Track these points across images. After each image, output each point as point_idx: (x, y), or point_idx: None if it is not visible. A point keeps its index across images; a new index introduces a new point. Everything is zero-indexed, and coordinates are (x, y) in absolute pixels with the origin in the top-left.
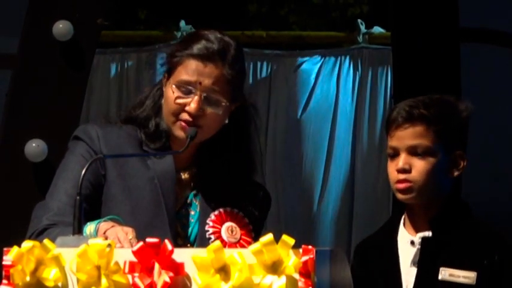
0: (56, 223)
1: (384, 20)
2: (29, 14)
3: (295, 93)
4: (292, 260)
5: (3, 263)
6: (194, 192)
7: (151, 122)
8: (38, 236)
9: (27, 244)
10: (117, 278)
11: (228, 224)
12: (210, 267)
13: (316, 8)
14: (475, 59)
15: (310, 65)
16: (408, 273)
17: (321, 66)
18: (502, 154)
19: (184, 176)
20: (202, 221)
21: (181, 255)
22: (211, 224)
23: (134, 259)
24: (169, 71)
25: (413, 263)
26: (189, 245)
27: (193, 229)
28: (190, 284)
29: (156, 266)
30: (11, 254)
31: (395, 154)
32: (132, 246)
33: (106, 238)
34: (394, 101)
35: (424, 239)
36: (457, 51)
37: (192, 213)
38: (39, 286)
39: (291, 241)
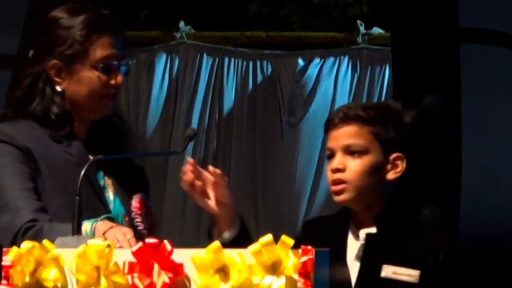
0: (36, 219)
1: (383, 20)
2: (28, 14)
3: (294, 93)
4: (291, 260)
5: (3, 263)
6: (101, 172)
7: (52, 112)
8: (27, 232)
9: (26, 244)
10: (117, 278)
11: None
12: (210, 268)
13: (316, 8)
14: (475, 59)
15: (310, 65)
16: (352, 267)
17: (320, 67)
18: (501, 154)
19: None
20: (121, 200)
21: (180, 255)
22: (135, 210)
23: (133, 260)
24: (73, 57)
25: (357, 257)
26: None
27: (114, 207)
28: (190, 285)
29: (156, 266)
30: (11, 255)
31: (332, 155)
32: (131, 246)
33: (105, 239)
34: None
35: (368, 235)
36: (457, 51)
37: (108, 192)
38: (38, 286)
39: (291, 242)
